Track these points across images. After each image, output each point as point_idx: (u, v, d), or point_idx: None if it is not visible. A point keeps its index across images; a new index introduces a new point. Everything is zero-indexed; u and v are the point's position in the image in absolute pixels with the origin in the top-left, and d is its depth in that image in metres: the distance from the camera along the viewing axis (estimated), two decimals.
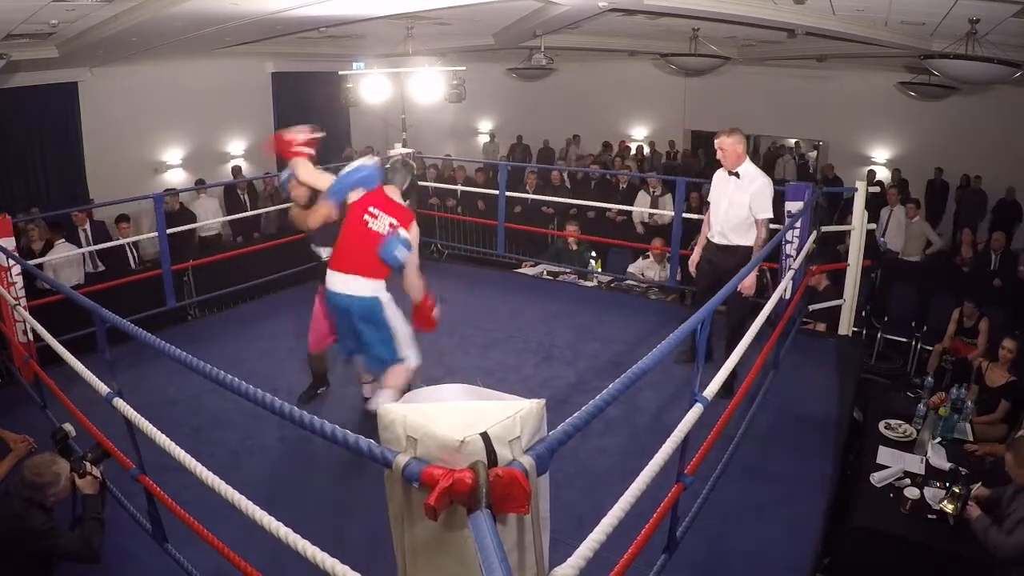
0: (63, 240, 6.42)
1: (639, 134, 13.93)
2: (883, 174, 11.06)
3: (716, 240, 4.09)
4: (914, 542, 3.10)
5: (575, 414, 1.51)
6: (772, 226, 6.55)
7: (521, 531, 1.38)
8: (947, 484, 3.21)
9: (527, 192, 9.04)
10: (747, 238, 3.97)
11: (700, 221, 7.45)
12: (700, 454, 2.63)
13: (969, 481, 3.18)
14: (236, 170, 10.13)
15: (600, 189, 9.95)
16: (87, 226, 7.17)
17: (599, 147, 13.46)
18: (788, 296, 4.46)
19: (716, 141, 4.00)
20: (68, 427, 2.70)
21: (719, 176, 4.09)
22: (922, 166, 10.70)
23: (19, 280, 4.33)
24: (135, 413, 2.31)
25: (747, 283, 3.79)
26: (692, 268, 4.32)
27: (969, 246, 7.50)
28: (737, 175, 3.96)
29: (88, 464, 2.48)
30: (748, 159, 4.00)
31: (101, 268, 6.89)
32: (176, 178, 9.88)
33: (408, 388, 3.29)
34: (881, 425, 3.92)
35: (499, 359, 4.70)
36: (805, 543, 2.91)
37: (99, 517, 2.45)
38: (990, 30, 5.93)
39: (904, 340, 6.67)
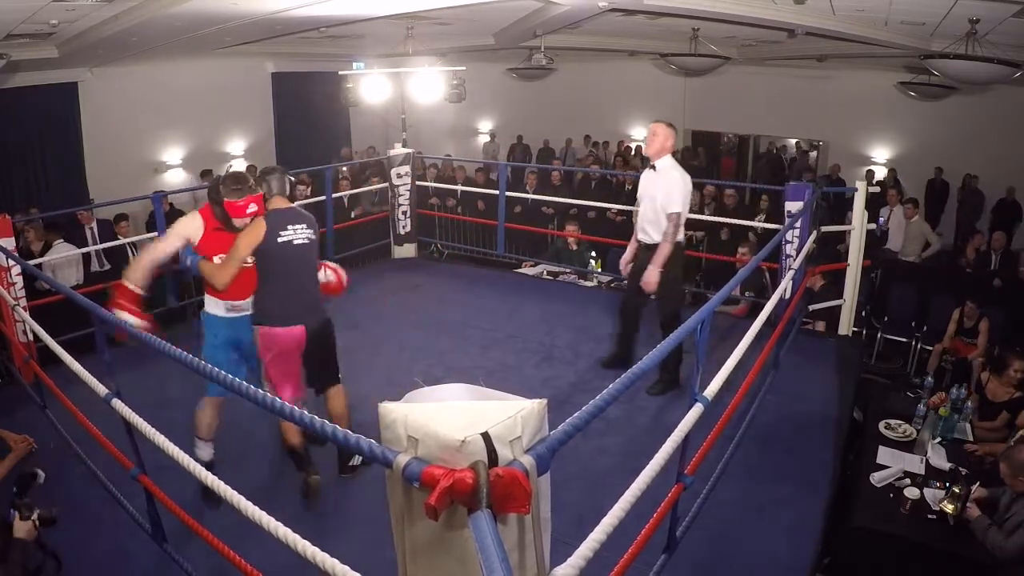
0: (61, 240, 6.42)
1: (639, 134, 13.90)
2: (883, 174, 11.06)
3: (640, 238, 4.12)
4: (914, 542, 3.10)
5: (575, 414, 1.51)
6: (771, 226, 6.60)
7: (522, 531, 1.38)
8: (947, 484, 3.21)
9: (527, 192, 9.04)
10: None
11: (699, 221, 7.51)
12: (700, 454, 2.63)
13: (969, 481, 3.18)
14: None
15: (600, 189, 9.94)
16: (93, 224, 7.19)
17: (599, 147, 13.47)
18: (788, 296, 4.46)
19: (652, 125, 4.03)
20: (40, 473, 2.66)
21: (643, 175, 4.15)
22: (922, 166, 10.69)
23: (19, 280, 4.34)
24: (133, 414, 2.31)
25: (649, 279, 3.90)
26: (623, 266, 4.32)
27: (974, 249, 7.51)
28: (654, 168, 3.99)
29: (35, 514, 2.39)
30: (671, 156, 4.02)
31: (107, 267, 6.89)
32: (176, 178, 9.87)
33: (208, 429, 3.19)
34: (881, 425, 3.92)
35: (499, 359, 4.70)
36: (805, 543, 2.91)
37: (24, 565, 2.37)
38: (990, 30, 5.93)
39: (904, 340, 6.67)
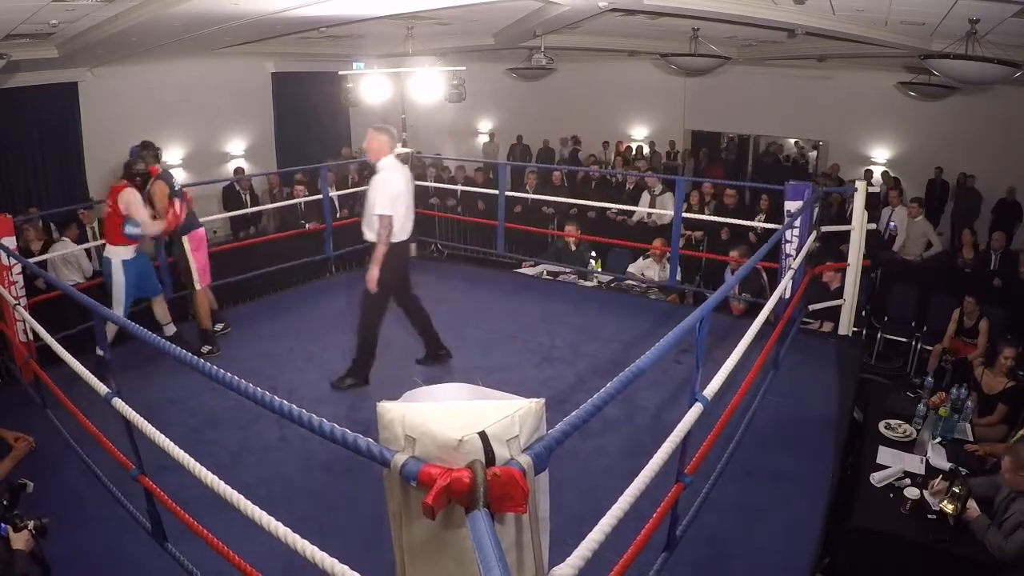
0: (64, 238, 6.43)
1: (639, 134, 13.91)
2: (880, 174, 11.06)
3: (366, 237, 4.14)
4: (914, 542, 3.10)
5: (573, 413, 1.51)
6: (771, 226, 6.60)
7: (519, 530, 1.38)
8: (948, 484, 3.21)
9: (527, 192, 9.04)
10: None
11: (698, 221, 7.51)
12: (700, 454, 2.63)
13: (967, 481, 3.18)
14: (239, 171, 10.13)
15: (600, 189, 9.94)
16: (95, 224, 7.20)
17: (599, 147, 13.46)
18: (788, 296, 4.46)
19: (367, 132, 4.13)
20: (29, 484, 2.67)
21: None
22: (922, 166, 10.69)
23: (19, 280, 4.34)
24: (134, 413, 2.31)
25: (368, 277, 4.01)
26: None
27: (969, 247, 7.51)
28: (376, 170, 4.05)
29: (31, 524, 2.39)
30: (392, 157, 4.04)
31: None
32: (176, 178, 9.85)
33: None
34: (881, 425, 3.92)
35: (499, 359, 4.70)
36: (805, 543, 2.91)
37: (26, 574, 2.36)
38: (990, 30, 5.92)
39: (904, 340, 6.67)
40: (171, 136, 9.78)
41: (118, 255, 4.35)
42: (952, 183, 10.56)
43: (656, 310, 5.80)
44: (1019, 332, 5.21)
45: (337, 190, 8.55)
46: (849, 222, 5.19)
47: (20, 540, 2.34)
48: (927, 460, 3.60)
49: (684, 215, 5.91)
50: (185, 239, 4.66)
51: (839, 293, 5.23)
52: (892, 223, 8.00)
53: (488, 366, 4.57)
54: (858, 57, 9.42)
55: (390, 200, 3.93)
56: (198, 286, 4.70)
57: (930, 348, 6.19)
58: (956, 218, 9.75)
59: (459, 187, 9.00)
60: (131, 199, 4.28)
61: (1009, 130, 9.82)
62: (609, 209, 8.58)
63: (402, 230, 4.07)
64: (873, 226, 5.12)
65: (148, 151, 4.51)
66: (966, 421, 4.04)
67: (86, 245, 6.33)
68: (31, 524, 2.37)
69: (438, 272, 6.84)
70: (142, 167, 4.37)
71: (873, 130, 11.43)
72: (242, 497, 1.75)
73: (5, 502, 2.47)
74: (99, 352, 3.89)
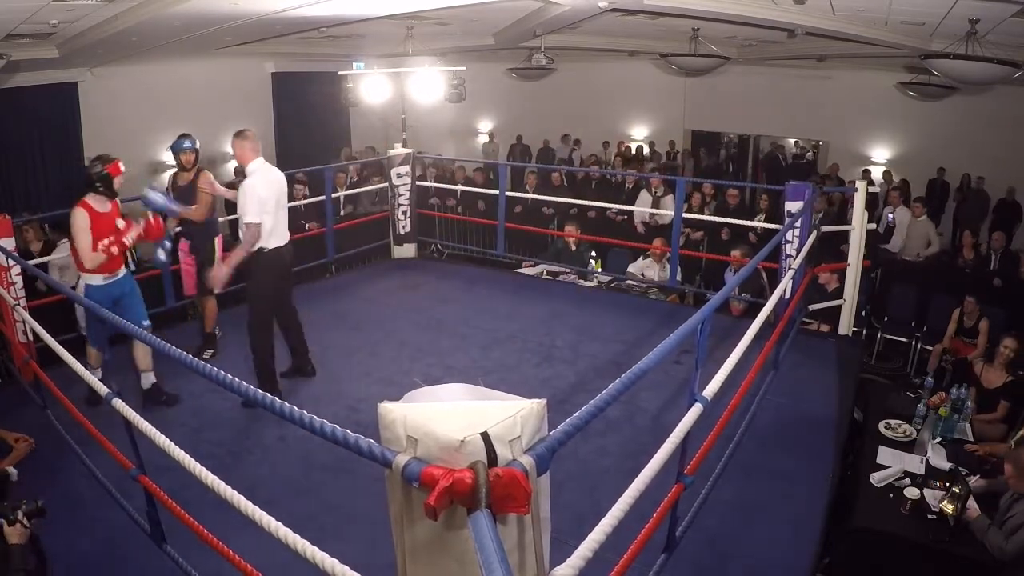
0: (66, 240, 6.41)
1: (639, 134, 13.91)
2: (879, 174, 11.06)
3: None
4: (914, 542, 3.10)
5: (575, 414, 1.51)
6: (771, 226, 6.60)
7: (521, 531, 1.38)
8: (947, 484, 3.21)
9: (527, 192, 9.04)
10: None
11: (698, 221, 7.49)
12: (700, 454, 2.63)
13: (968, 480, 3.18)
14: (239, 171, 10.12)
15: (600, 189, 9.94)
16: None
17: (599, 147, 13.45)
18: (788, 296, 4.46)
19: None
20: (12, 471, 2.64)
21: None
22: (923, 166, 10.70)
23: (19, 280, 4.34)
24: (134, 413, 2.31)
25: (215, 275, 3.95)
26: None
27: (970, 248, 7.51)
28: (245, 176, 3.95)
29: (20, 514, 2.34)
30: (261, 160, 4.00)
31: None
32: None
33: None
34: (881, 425, 3.92)
35: (499, 359, 4.70)
36: (805, 543, 2.91)
37: (25, 568, 2.31)
38: (990, 30, 5.92)
39: (904, 340, 6.67)
40: (171, 136, 9.69)
41: (88, 280, 3.84)
42: (953, 183, 10.56)
43: (656, 310, 5.81)
44: (1021, 330, 5.21)
45: (339, 190, 8.56)
46: (849, 222, 5.20)
47: (15, 534, 2.30)
48: (927, 460, 3.60)
49: (684, 215, 5.92)
50: (217, 240, 4.58)
51: (837, 294, 5.24)
52: (891, 215, 8.00)
53: (488, 366, 4.57)
54: (858, 57, 9.43)
55: (257, 207, 3.81)
56: (217, 290, 4.46)
57: (930, 348, 6.19)
58: (962, 219, 9.75)
59: (459, 187, 8.99)
60: (76, 223, 3.71)
61: (1009, 130, 9.83)
62: (609, 209, 8.58)
63: (276, 234, 3.95)
64: (873, 226, 5.12)
65: (185, 140, 4.43)
66: (966, 421, 4.03)
67: None
68: (23, 508, 2.32)
69: (438, 272, 6.85)
70: (99, 169, 3.87)
71: (873, 130, 11.43)
72: (242, 497, 1.75)
73: None
74: (95, 350, 3.89)
